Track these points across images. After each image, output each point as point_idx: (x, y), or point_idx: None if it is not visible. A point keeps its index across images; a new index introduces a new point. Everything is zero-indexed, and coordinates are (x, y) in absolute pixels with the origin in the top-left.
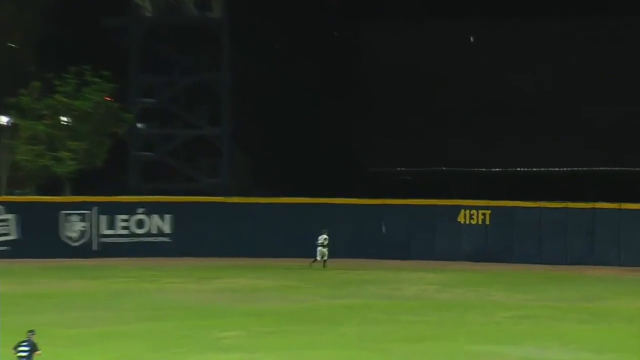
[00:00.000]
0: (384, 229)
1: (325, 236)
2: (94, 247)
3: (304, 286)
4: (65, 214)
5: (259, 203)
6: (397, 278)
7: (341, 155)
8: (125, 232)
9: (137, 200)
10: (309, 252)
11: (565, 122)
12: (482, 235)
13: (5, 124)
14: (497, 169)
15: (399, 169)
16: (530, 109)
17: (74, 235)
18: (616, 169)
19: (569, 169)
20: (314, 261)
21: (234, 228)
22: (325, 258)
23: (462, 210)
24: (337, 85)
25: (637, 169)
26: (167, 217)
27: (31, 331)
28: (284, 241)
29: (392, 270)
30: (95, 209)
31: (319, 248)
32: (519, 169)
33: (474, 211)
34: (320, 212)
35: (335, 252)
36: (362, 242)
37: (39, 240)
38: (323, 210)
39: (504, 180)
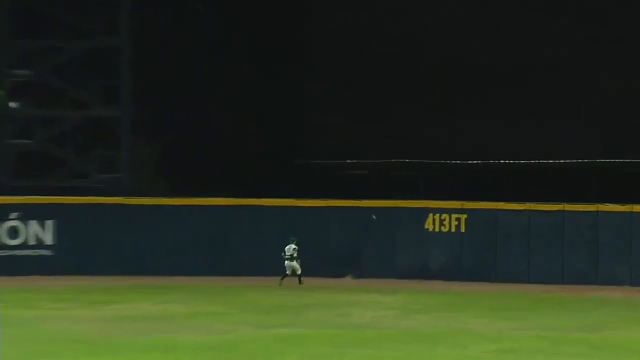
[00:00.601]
0: (374, 217)
1: (293, 246)
2: None
3: (226, 312)
4: None
5: (168, 205)
6: (345, 301)
7: (275, 145)
8: None
9: (8, 202)
10: (235, 268)
11: (561, 101)
12: (455, 246)
13: None
14: (475, 161)
15: (348, 161)
16: (516, 84)
17: None
18: (626, 161)
19: (565, 160)
20: (283, 277)
21: (136, 238)
22: (299, 272)
23: (431, 215)
24: (271, 54)
25: None
26: (49, 223)
27: None
28: (202, 254)
29: (340, 291)
30: None
31: (286, 262)
32: (502, 161)
33: (445, 215)
34: (246, 216)
35: (264, 267)
36: (300, 255)
37: None
38: (250, 214)
39: (484, 175)
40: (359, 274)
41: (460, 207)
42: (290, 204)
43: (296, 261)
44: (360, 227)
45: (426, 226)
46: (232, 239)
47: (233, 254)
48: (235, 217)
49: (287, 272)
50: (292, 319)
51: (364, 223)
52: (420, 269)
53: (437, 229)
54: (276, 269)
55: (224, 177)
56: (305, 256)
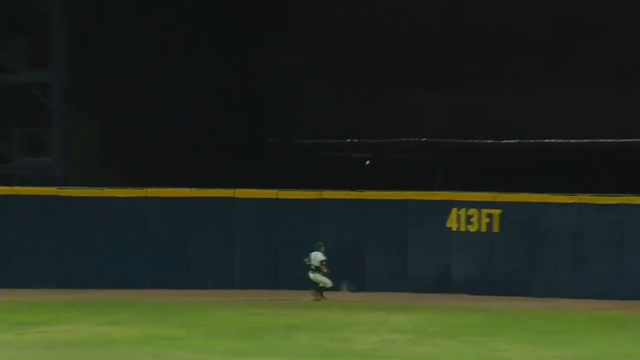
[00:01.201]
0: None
1: (321, 255)
2: None
3: (188, 336)
4: None
5: (114, 198)
6: (342, 322)
7: (248, 121)
8: None
9: None
10: (199, 278)
11: (618, 63)
12: (485, 250)
13: None
14: (512, 140)
15: (348, 140)
16: (557, 42)
17: None
18: None
19: (628, 140)
20: (318, 293)
21: (72, 240)
22: (327, 286)
23: (454, 210)
24: (240, 9)
25: None
26: None
27: None
28: (157, 261)
29: (335, 309)
30: None
31: (310, 274)
32: (547, 140)
33: (472, 210)
34: (214, 212)
35: (237, 278)
36: (285, 262)
37: None
38: (219, 209)
39: (523, 158)
40: (359, 286)
41: (491, 199)
42: (271, 196)
43: (322, 274)
44: (361, 225)
45: (448, 224)
46: (195, 242)
47: (197, 261)
48: (200, 213)
49: (321, 284)
50: (273, 346)
51: (365, 220)
52: (440, 280)
53: (462, 228)
54: (253, 279)
55: (185, 162)
56: (289, 263)
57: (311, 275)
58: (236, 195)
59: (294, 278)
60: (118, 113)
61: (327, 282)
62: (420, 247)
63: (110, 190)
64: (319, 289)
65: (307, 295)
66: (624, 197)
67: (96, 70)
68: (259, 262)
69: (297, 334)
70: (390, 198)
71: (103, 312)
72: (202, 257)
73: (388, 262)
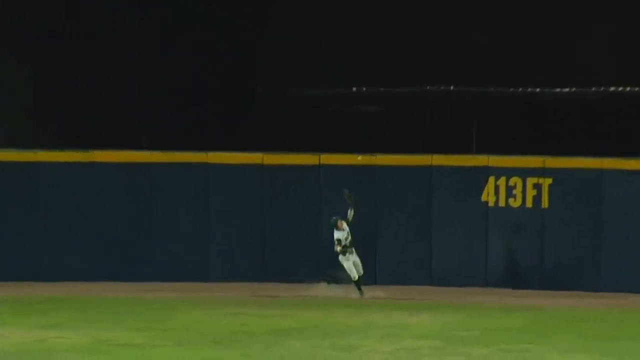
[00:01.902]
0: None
1: (344, 229)
2: None
3: (150, 343)
4: None
5: (52, 163)
6: (350, 325)
7: (229, 66)
8: None
9: None
10: (163, 269)
11: None
12: (532, 231)
13: None
14: (568, 90)
15: (352, 89)
16: None
17: None
18: None
19: None
20: (358, 286)
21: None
22: (357, 275)
23: (491, 179)
24: None
25: None
26: None
27: None
28: (108, 247)
29: (340, 309)
30: None
31: (340, 257)
32: (614, 89)
33: (515, 179)
34: (183, 183)
35: (213, 268)
36: (274, 248)
37: None
38: (190, 179)
39: (582, 114)
40: (370, 278)
41: (540, 165)
42: (255, 161)
43: (350, 255)
44: (371, 199)
45: (483, 198)
46: (159, 221)
47: (160, 247)
48: (165, 184)
49: (353, 275)
50: (260, 356)
51: (377, 193)
52: (473, 271)
53: (500, 203)
54: (233, 270)
55: (146, 118)
56: (280, 248)
57: (341, 258)
58: (211, 161)
59: (286, 268)
60: (58, 56)
61: (354, 266)
62: (448, 228)
63: (47, 153)
64: (356, 279)
65: (302, 290)
66: None
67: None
68: (241, 248)
69: (289, 340)
70: (408, 164)
71: (40, 312)
72: (167, 241)
73: (406, 247)
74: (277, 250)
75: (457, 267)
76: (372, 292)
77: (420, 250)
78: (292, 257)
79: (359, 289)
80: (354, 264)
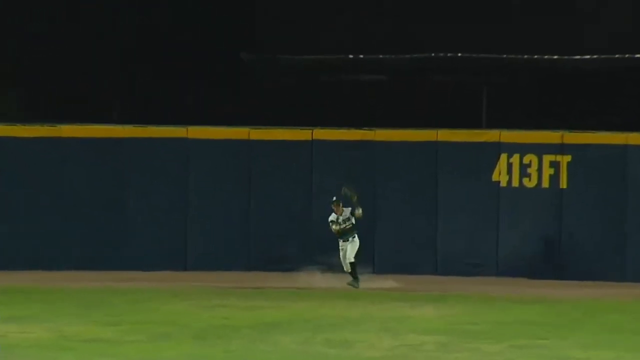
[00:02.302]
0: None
1: (346, 212)
2: None
3: (123, 339)
4: None
5: (13, 139)
6: (346, 317)
7: (211, 30)
8: None
9: None
10: (137, 254)
11: None
12: (548, 215)
13: None
14: (589, 57)
15: (349, 56)
16: None
17: None
18: None
19: None
20: (354, 276)
21: None
22: (350, 261)
23: (503, 156)
24: None
25: None
26: None
27: None
28: (79, 230)
29: (334, 298)
30: None
31: (340, 243)
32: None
33: (530, 157)
34: (160, 159)
35: (195, 256)
36: (260, 233)
37: None
38: (166, 154)
39: (605, 83)
40: (368, 266)
41: (558, 141)
42: (241, 136)
43: (351, 239)
44: (369, 178)
45: (495, 178)
46: (132, 203)
47: (134, 231)
48: (140, 162)
49: (344, 265)
50: (245, 352)
51: (376, 171)
52: (483, 258)
53: (514, 183)
54: (215, 258)
55: (118, 89)
56: (267, 234)
57: (342, 243)
58: (191, 136)
59: (274, 254)
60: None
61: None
62: (455, 211)
63: (9, 127)
64: (349, 265)
65: (292, 279)
66: None
67: None
68: (225, 233)
69: (277, 335)
70: (411, 139)
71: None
72: (142, 226)
73: (409, 233)
74: (264, 235)
75: (465, 254)
76: (375, 281)
77: (425, 235)
78: (281, 242)
79: (354, 278)
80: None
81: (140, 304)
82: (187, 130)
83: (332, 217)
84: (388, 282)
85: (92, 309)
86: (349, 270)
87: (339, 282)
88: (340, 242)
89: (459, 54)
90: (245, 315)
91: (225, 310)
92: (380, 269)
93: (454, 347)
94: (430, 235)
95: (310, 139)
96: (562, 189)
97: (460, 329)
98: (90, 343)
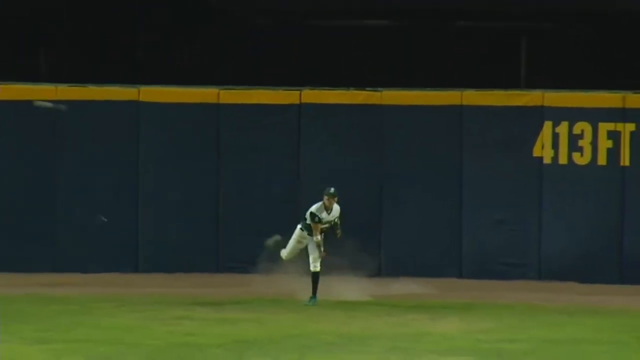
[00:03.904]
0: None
1: (334, 213)
2: None
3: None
4: None
5: None
6: (346, 334)
7: None
8: None
9: None
10: (76, 253)
11: None
12: (605, 199)
13: None
14: None
15: None
16: None
17: None
18: None
19: None
20: (314, 284)
21: None
22: (316, 270)
23: (548, 124)
24: None
25: None
26: None
27: None
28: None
29: (329, 308)
30: None
31: (298, 235)
32: None
33: (581, 125)
34: (105, 127)
35: (149, 254)
36: (233, 224)
37: None
38: (113, 121)
39: None
40: (374, 269)
41: (619, 104)
42: (209, 99)
43: (323, 244)
44: (375, 154)
45: (535, 152)
46: (67, 185)
47: (69, 224)
48: (77, 132)
49: (283, 256)
50: None
51: (384, 144)
52: (520, 257)
53: (561, 160)
54: (175, 257)
55: (47, 40)
56: (242, 225)
57: (313, 243)
58: (143, 98)
59: (250, 251)
60: None
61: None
62: (484, 196)
63: None
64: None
65: (272, 284)
66: None
67: None
68: (186, 224)
69: (256, 356)
70: (429, 103)
71: None
72: (79, 215)
73: (425, 224)
74: (238, 226)
75: (499, 252)
76: (382, 287)
77: (446, 228)
78: (260, 236)
79: (313, 287)
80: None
81: (78, 317)
82: (138, 92)
83: (320, 212)
84: (398, 287)
85: (15, 322)
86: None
87: (336, 286)
88: (303, 234)
89: None
90: (214, 331)
91: (186, 324)
92: (389, 271)
93: None
94: (454, 227)
95: (298, 102)
96: (624, 166)
97: (493, 349)
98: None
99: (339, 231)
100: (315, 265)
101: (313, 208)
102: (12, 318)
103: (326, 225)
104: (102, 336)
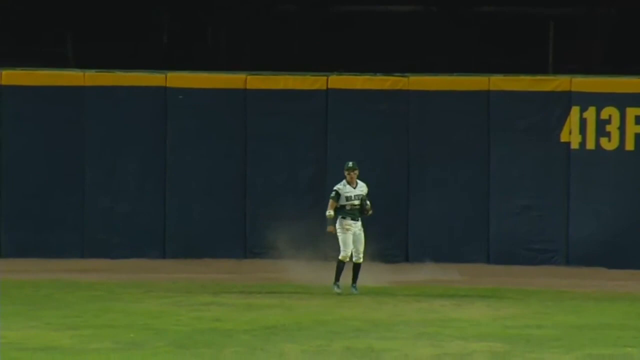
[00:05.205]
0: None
1: (358, 186)
2: None
3: (87, 347)
4: None
5: None
6: (373, 320)
7: None
8: None
9: None
10: (94, 238)
11: None
12: (635, 185)
13: None
14: None
15: None
16: None
17: None
18: None
19: None
20: (338, 275)
21: None
22: (359, 260)
23: (576, 109)
24: None
25: None
26: None
27: None
28: (23, 206)
29: (355, 296)
30: None
31: (338, 229)
32: None
33: (610, 111)
34: (128, 111)
35: (174, 241)
36: (259, 212)
37: None
38: (141, 107)
39: None
40: (401, 253)
41: None
42: (235, 85)
43: (348, 227)
44: (398, 137)
45: (563, 137)
46: (93, 170)
47: (95, 209)
48: (104, 118)
49: (346, 256)
50: None
51: (408, 129)
52: (548, 243)
53: (589, 145)
54: (199, 243)
55: (74, 25)
56: (267, 208)
57: (342, 233)
58: (170, 84)
59: (277, 239)
60: None
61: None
62: (512, 181)
63: None
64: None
65: (299, 270)
66: None
67: None
68: (213, 209)
69: (283, 342)
70: (455, 88)
71: None
72: (105, 202)
73: (452, 210)
74: (264, 213)
75: (526, 238)
76: (409, 273)
77: (473, 213)
78: (287, 222)
79: (336, 277)
80: (345, 240)
81: (105, 303)
82: (165, 78)
83: (343, 187)
84: (425, 273)
85: (43, 308)
86: (345, 260)
87: (364, 272)
88: (346, 220)
89: None
90: (241, 317)
91: (215, 310)
92: (416, 257)
93: (512, 357)
94: (481, 212)
95: (325, 88)
96: None
97: (521, 335)
98: (41, 352)
99: (368, 207)
100: (358, 257)
101: (337, 187)
102: (40, 304)
103: (357, 202)
104: (129, 322)
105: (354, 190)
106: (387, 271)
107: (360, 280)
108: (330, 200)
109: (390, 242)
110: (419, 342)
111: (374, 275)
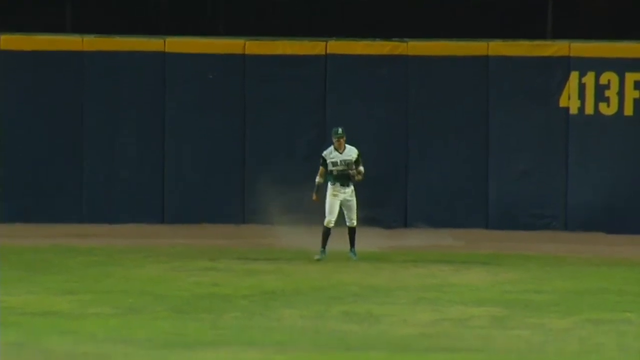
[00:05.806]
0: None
1: (350, 151)
2: None
3: (86, 312)
4: None
5: None
6: (371, 285)
7: None
8: None
9: None
10: (94, 203)
11: None
12: (633, 150)
13: None
14: None
15: None
16: None
17: None
18: None
19: None
20: (324, 243)
21: None
22: (353, 225)
23: (575, 75)
24: None
25: None
26: None
27: None
28: (23, 173)
29: (353, 261)
30: None
31: (329, 195)
32: None
33: (609, 76)
34: (127, 76)
35: (173, 206)
36: (260, 169)
37: None
38: (138, 72)
39: None
40: (399, 218)
41: None
42: (234, 50)
43: (338, 192)
44: (397, 102)
45: (562, 102)
46: (92, 136)
47: (94, 174)
48: (103, 83)
49: (330, 221)
50: (241, 329)
51: (405, 93)
52: (546, 208)
53: (588, 110)
54: (198, 208)
55: None
56: (265, 172)
57: (330, 198)
58: (169, 49)
59: (275, 205)
60: None
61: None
62: (510, 146)
63: None
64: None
65: (298, 236)
66: None
67: None
68: (211, 176)
69: (282, 307)
70: (455, 53)
71: None
72: (105, 165)
73: (451, 176)
74: (263, 178)
75: (525, 203)
76: (408, 238)
77: (472, 179)
78: (285, 188)
79: (322, 243)
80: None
81: (105, 267)
82: (164, 43)
83: (329, 153)
84: (424, 238)
85: (43, 273)
86: (329, 226)
87: (362, 238)
88: (335, 187)
89: None
90: (240, 282)
91: (214, 276)
92: (414, 222)
93: (511, 322)
94: (480, 178)
95: (324, 53)
96: None
97: (519, 299)
98: (41, 317)
99: (353, 172)
100: (351, 222)
101: (324, 153)
102: (39, 269)
103: (342, 167)
104: (129, 287)
105: (340, 155)
106: (385, 236)
107: (358, 246)
108: (320, 168)
109: (389, 207)
110: (418, 307)
111: (372, 241)
